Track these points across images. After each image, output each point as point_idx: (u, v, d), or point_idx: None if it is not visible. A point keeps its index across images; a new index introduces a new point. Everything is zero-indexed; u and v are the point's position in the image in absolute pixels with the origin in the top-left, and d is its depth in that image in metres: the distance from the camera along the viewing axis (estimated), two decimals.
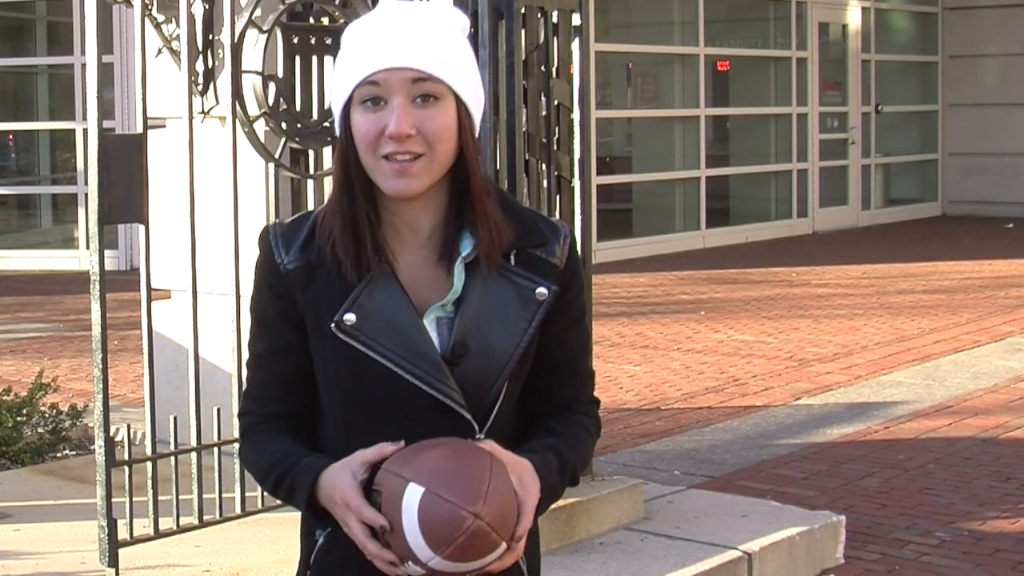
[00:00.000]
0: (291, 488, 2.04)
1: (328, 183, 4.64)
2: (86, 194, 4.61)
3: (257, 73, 4.80)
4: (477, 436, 2.01)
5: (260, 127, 4.83)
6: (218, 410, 4.32)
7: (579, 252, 2.20)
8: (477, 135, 2.06)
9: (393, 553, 1.92)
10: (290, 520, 4.43)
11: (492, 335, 2.02)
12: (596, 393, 2.24)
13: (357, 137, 1.99)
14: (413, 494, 1.90)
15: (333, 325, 1.99)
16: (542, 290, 2.05)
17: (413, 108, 1.96)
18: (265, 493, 4.46)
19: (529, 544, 2.11)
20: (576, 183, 5.10)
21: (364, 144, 1.99)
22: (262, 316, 2.10)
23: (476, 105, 2.04)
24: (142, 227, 4.13)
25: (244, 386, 2.19)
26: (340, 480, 1.95)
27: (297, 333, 2.06)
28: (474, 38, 4.70)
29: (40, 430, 6.01)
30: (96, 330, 4.02)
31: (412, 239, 2.05)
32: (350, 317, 1.99)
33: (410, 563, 1.92)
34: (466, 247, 2.04)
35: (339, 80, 2.02)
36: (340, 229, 2.01)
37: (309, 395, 2.10)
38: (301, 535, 2.17)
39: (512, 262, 2.06)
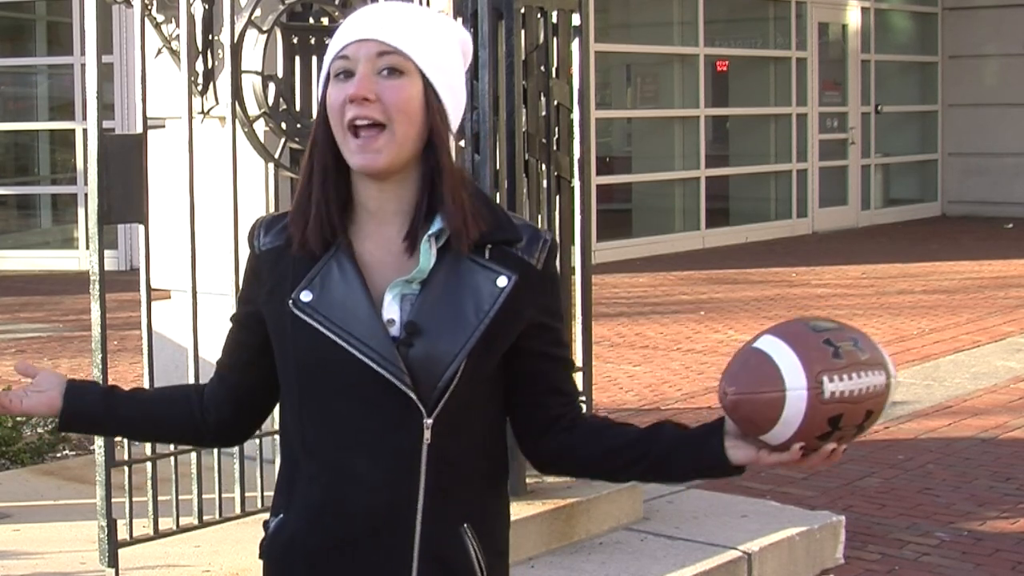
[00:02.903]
0: None
1: None
2: (86, 194, 4.61)
3: (257, 73, 4.80)
4: (425, 421, 2.02)
5: (260, 127, 4.83)
6: None
7: (558, 264, 2.23)
8: (455, 129, 2.10)
9: None
10: None
11: (448, 319, 2.04)
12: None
13: (329, 110, 2.05)
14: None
15: (290, 302, 2.05)
16: (503, 279, 2.06)
17: (377, 78, 2.02)
18: (265, 493, 4.47)
19: (492, 540, 2.15)
20: (576, 183, 5.10)
21: (333, 115, 2.04)
22: (240, 294, 2.23)
23: (449, 96, 2.07)
24: (142, 227, 4.13)
25: None
26: None
27: (251, 316, 2.16)
28: (474, 38, 4.70)
29: (40, 430, 6.01)
30: (96, 330, 4.02)
31: (382, 220, 2.09)
32: (306, 295, 2.05)
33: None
34: (435, 226, 2.07)
35: (324, 69, 2.10)
36: (300, 206, 2.07)
37: (256, 368, 2.18)
38: None
39: (487, 255, 2.08)
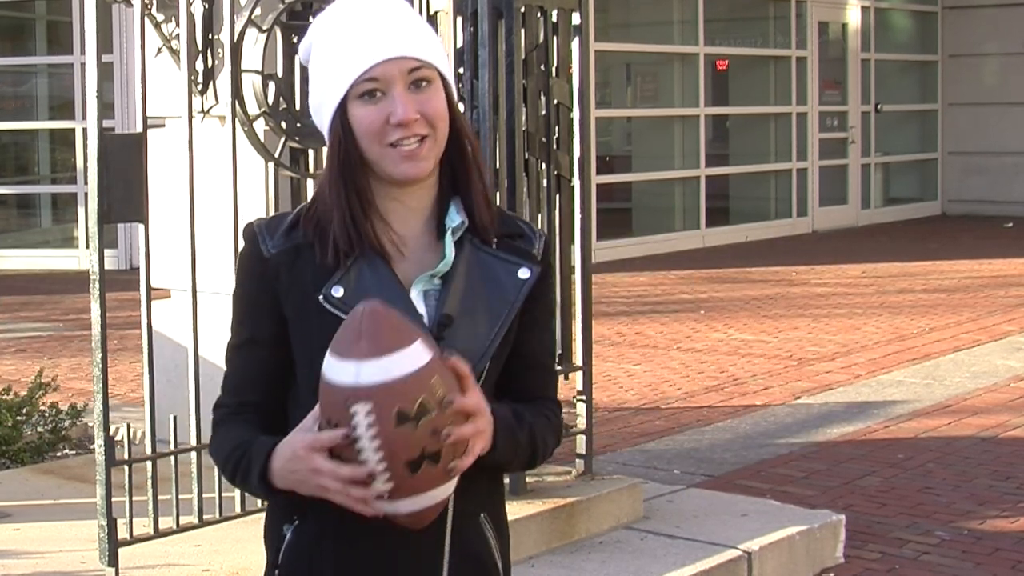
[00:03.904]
0: (247, 467, 2.04)
1: None
2: (86, 194, 4.61)
3: (257, 72, 4.81)
4: None
5: (260, 126, 4.83)
6: None
7: (558, 262, 2.24)
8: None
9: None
10: None
11: (478, 310, 2.06)
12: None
13: (360, 129, 2.04)
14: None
15: (321, 297, 2.03)
16: (525, 270, 2.10)
17: (410, 94, 2.04)
18: None
19: (503, 535, 2.16)
20: (576, 182, 5.10)
21: (369, 135, 2.04)
22: (240, 307, 2.16)
23: (452, 79, 2.13)
24: (142, 227, 4.13)
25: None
26: (293, 438, 1.97)
27: (273, 323, 2.10)
28: (474, 37, 4.70)
29: (40, 429, 6.00)
30: (96, 329, 4.02)
31: (405, 219, 2.10)
32: (338, 290, 2.03)
33: (377, 480, 1.90)
34: (453, 219, 2.09)
35: (327, 79, 2.06)
36: (339, 222, 2.05)
37: (282, 387, 2.13)
38: (265, 539, 2.17)
39: (494, 247, 2.11)
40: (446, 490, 1.95)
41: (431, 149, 2.05)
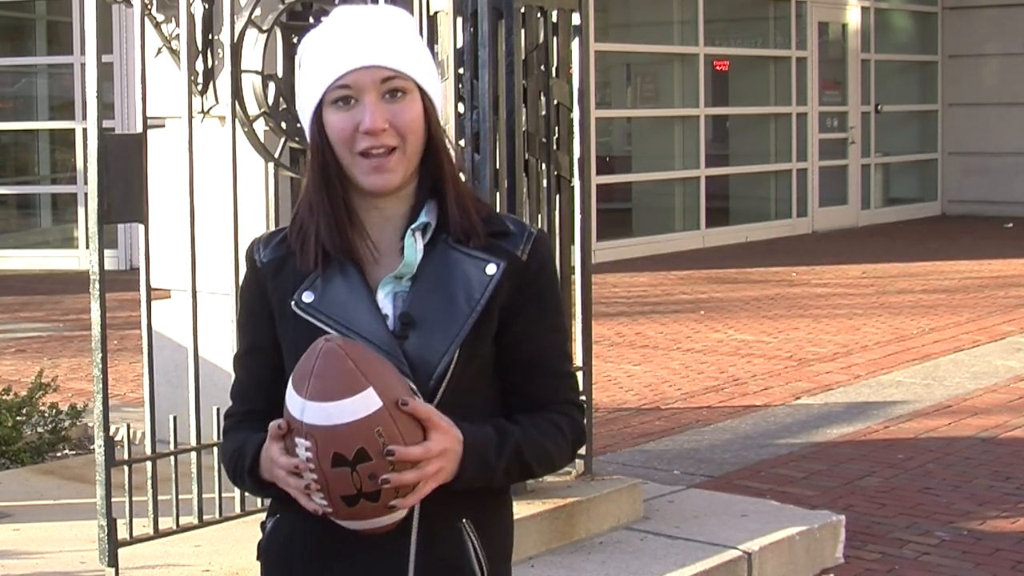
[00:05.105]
0: (243, 463, 2.12)
1: None
2: (86, 194, 4.61)
3: (257, 73, 4.81)
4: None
5: (260, 127, 4.83)
6: (218, 410, 4.32)
7: (552, 258, 2.25)
8: (442, 121, 2.16)
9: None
10: None
11: (440, 308, 2.08)
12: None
13: (332, 135, 2.08)
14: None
15: (293, 303, 2.10)
16: (492, 266, 2.10)
17: (383, 104, 2.06)
18: None
19: (495, 542, 2.16)
20: (576, 182, 5.10)
21: (340, 141, 2.07)
22: (242, 317, 2.23)
23: (437, 95, 2.13)
24: (142, 227, 4.13)
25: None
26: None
27: (270, 329, 2.16)
28: (474, 38, 4.70)
29: (40, 430, 6.00)
30: (96, 330, 4.02)
31: (381, 227, 2.13)
32: (308, 295, 2.09)
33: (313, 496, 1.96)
34: (419, 220, 2.11)
35: (307, 85, 2.10)
36: (317, 228, 2.09)
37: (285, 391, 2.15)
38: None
39: (470, 245, 2.12)
40: (391, 518, 1.98)
41: (399, 161, 2.07)
